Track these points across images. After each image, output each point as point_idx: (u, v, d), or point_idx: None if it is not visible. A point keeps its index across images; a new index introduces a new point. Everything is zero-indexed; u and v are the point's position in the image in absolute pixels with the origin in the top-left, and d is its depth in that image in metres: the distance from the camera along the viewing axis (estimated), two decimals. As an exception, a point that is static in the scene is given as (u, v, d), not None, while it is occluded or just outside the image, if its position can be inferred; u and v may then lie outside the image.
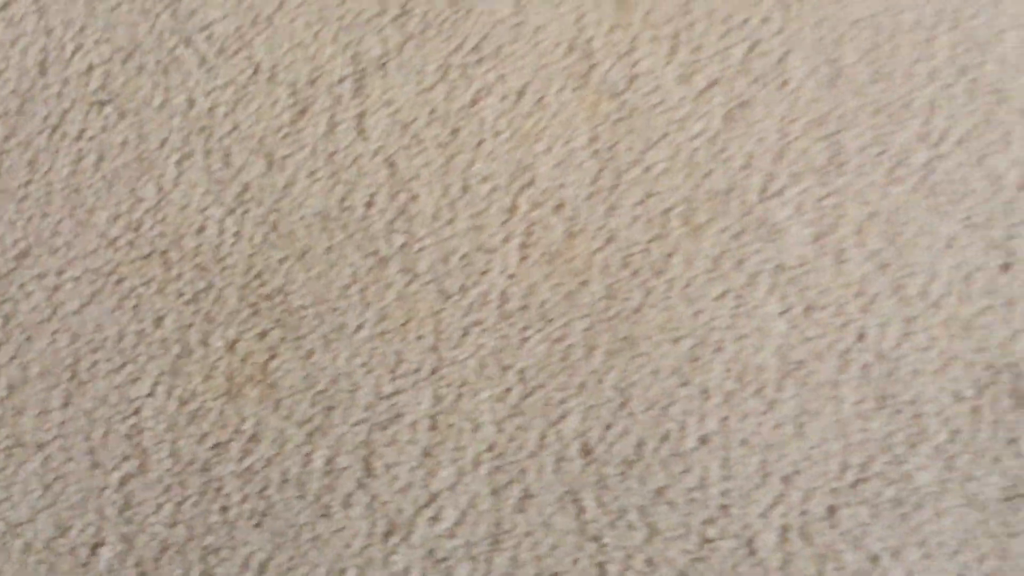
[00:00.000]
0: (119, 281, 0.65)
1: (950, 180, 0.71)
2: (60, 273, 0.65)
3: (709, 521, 0.65)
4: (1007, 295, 0.70)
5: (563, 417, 0.65)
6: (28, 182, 0.66)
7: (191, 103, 0.68)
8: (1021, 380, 0.69)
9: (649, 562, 0.64)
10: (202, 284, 0.65)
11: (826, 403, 0.67)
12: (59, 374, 0.63)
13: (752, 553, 0.64)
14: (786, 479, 0.66)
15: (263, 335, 0.64)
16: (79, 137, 0.67)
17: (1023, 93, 0.73)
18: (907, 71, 0.73)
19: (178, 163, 0.66)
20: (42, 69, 0.68)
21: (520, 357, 0.66)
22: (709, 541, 0.64)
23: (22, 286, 0.65)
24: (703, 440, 0.66)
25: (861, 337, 0.69)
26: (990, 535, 0.66)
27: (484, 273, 0.67)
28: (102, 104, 0.67)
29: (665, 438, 0.66)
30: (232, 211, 0.66)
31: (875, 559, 0.65)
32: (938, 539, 0.66)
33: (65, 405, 0.62)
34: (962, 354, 0.69)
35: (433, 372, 0.65)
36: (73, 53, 0.68)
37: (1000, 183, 0.72)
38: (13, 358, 0.63)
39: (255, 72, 0.68)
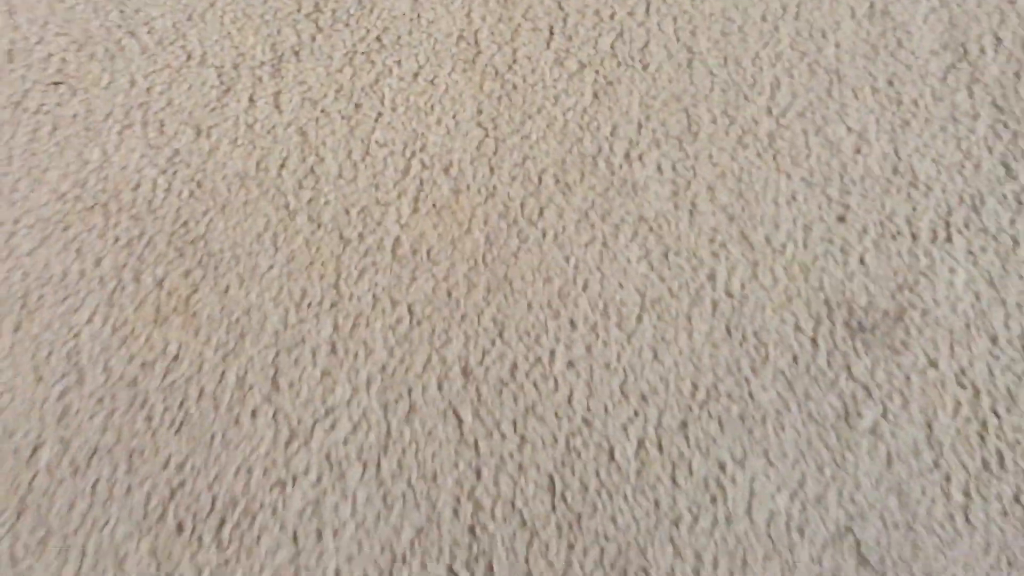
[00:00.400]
0: (66, 228, 0.76)
1: (792, 146, 0.82)
2: (16, 221, 0.76)
3: (574, 433, 0.73)
4: (842, 242, 0.79)
5: (446, 344, 0.75)
6: (-8, 147, 0.78)
7: (132, 83, 0.80)
8: (855, 315, 0.78)
9: (520, 467, 0.72)
10: (136, 231, 0.76)
11: (680, 333, 0.77)
12: (11, 304, 0.74)
13: (612, 460, 0.73)
14: (643, 398, 0.75)
15: (187, 274, 0.75)
16: (37, 111, 0.79)
17: (857, 74, 0.84)
18: (754, 56, 0.84)
19: (119, 132, 0.78)
20: (10, 57, 0.81)
21: (409, 293, 0.76)
22: (574, 450, 0.73)
23: (-13, 240, 0.76)
24: (570, 364, 0.75)
25: (712, 278, 0.78)
26: (828, 448, 0.74)
27: (380, 223, 0.77)
28: (57, 84, 0.79)
29: (536, 362, 0.75)
30: (164, 171, 0.77)
31: (722, 466, 0.73)
32: (780, 450, 0.74)
33: (15, 330, 0.73)
34: (802, 292, 0.78)
35: (333, 305, 0.75)
36: (36, 44, 0.81)
37: (837, 148, 0.82)
38: (-27, 291, 0.74)
39: (188, 58, 0.80)
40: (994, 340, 0.77)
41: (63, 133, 0.79)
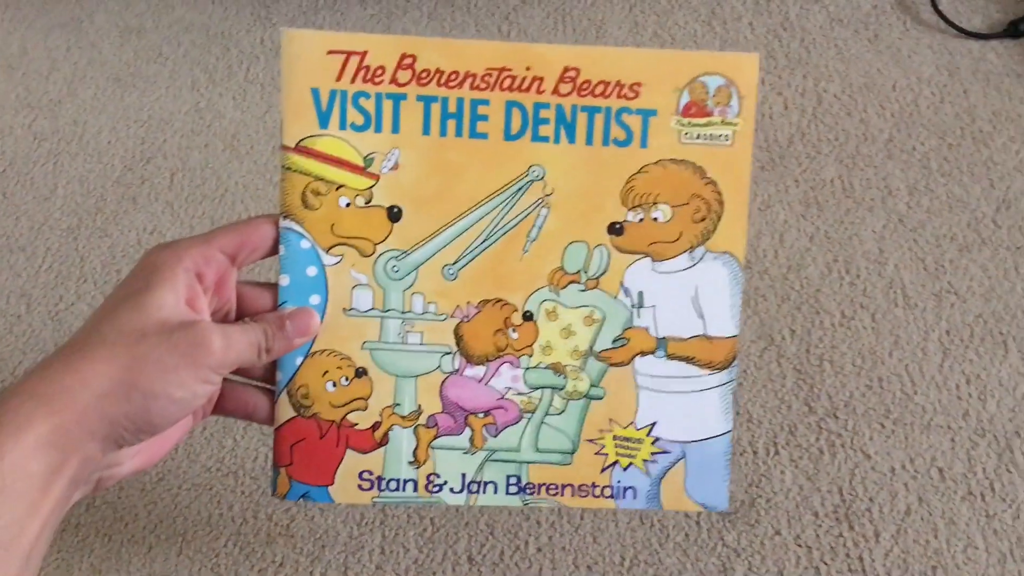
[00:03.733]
0: (211, 488, 1.15)
1: (669, 403, 1.25)
2: (180, 486, 1.15)
3: (545, 594, 1.08)
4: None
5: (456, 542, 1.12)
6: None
7: (252, 397, 1.24)
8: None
9: (511, 619, 1.06)
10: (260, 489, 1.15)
11: (609, 524, 1.14)
12: (175, 539, 1.10)
13: (572, 611, 1.07)
14: (588, 568, 1.11)
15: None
16: (193, 418, 1.23)
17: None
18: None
19: (245, 427, 1.21)
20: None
21: (431, 512, 1.14)
22: (546, 606, 1.07)
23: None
24: (539, 549, 1.12)
25: (626, 488, 1.17)
26: (715, 592, 1.09)
27: None
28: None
29: (516, 549, 1.12)
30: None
31: (645, 610, 1.07)
32: (683, 597, 1.09)
33: (178, 555, 1.09)
34: (686, 493, 1.17)
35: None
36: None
37: (698, 403, 1.25)
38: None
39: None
40: (816, 514, 1.15)
41: (210, 429, 1.21)
